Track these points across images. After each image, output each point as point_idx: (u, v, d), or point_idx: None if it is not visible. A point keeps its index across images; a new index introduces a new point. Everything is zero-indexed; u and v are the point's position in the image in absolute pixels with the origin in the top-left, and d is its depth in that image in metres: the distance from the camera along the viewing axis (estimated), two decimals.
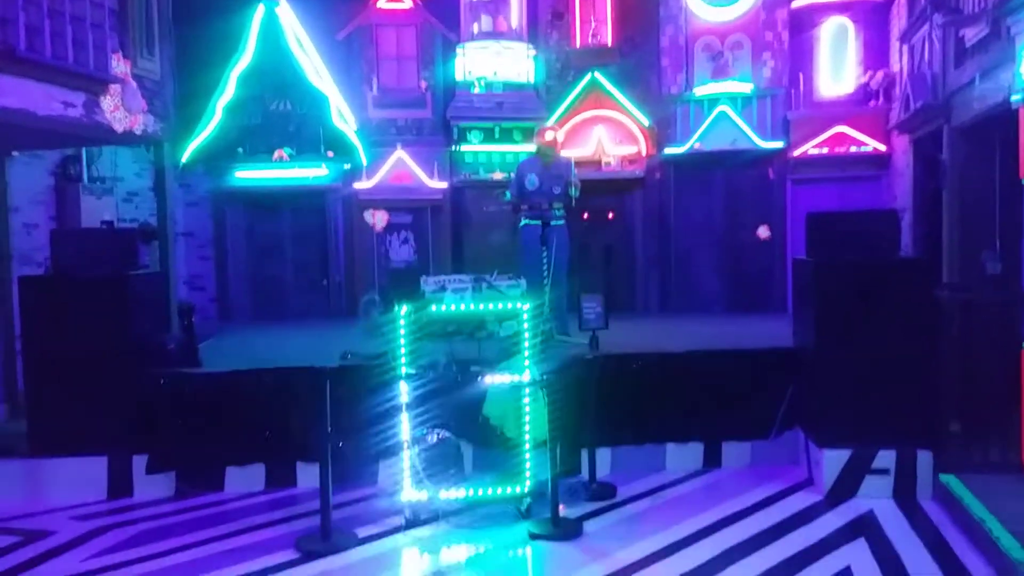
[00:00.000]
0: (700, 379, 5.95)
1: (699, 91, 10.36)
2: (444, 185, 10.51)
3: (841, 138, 9.96)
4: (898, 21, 9.49)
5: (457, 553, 4.56)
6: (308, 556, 4.51)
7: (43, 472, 5.52)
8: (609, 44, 10.67)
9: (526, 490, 5.05)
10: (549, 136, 7.21)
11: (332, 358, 5.97)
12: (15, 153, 7.05)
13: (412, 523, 4.96)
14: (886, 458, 5.25)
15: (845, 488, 5.28)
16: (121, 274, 5.74)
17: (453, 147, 10.54)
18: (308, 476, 5.61)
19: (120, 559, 4.56)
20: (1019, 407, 5.05)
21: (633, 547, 4.52)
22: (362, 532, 4.84)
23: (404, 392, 5.00)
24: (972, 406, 5.36)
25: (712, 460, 5.99)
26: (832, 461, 5.31)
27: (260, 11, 9.86)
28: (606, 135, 10.61)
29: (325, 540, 4.64)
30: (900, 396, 5.28)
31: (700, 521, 4.91)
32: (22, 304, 5.79)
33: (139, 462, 5.62)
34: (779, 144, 10.20)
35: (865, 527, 4.77)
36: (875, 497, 5.21)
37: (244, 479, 5.74)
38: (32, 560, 4.56)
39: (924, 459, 5.22)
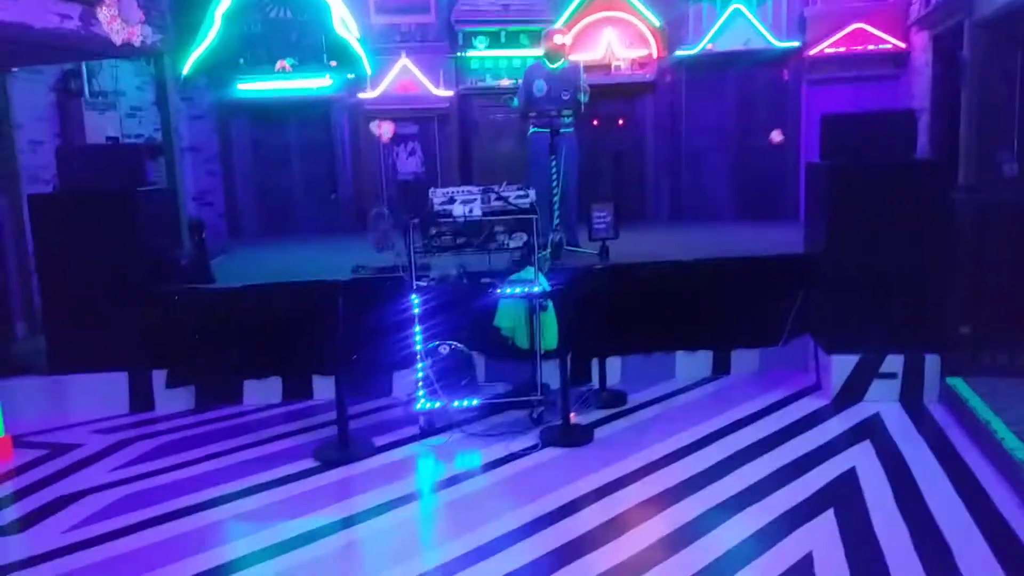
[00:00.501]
0: (710, 287, 5.96)
1: None
2: (450, 93, 10.29)
3: (859, 35, 9.62)
4: None
5: (471, 460, 4.68)
6: (327, 464, 4.65)
7: (66, 388, 5.66)
8: None
9: (538, 398, 5.14)
10: (558, 40, 7.01)
11: (344, 272, 6.01)
12: (14, 69, 6.93)
13: (427, 432, 5.08)
14: (894, 362, 5.29)
15: (852, 392, 5.34)
16: (130, 190, 5.74)
17: (459, 53, 10.27)
18: (324, 388, 5.73)
19: (146, 469, 4.72)
20: None
21: (643, 452, 4.63)
22: (379, 441, 4.97)
23: (416, 304, 5.04)
24: (983, 309, 5.36)
25: (721, 367, 6.06)
26: (840, 366, 5.36)
27: None
28: (616, 38, 10.30)
29: (343, 449, 4.77)
30: (911, 301, 5.28)
31: (709, 426, 5.01)
32: (33, 222, 5.81)
33: (159, 377, 5.75)
34: (795, 43, 9.88)
35: (871, 430, 4.85)
36: (882, 401, 5.28)
37: (262, 392, 5.87)
38: (62, 471, 4.73)
39: (932, 363, 5.26)
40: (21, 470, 4.77)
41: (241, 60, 9.75)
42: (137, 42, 7.37)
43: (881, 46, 9.59)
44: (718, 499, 4.00)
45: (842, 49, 9.71)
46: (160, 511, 4.13)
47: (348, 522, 3.95)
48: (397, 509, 4.08)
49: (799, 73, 10.04)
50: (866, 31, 9.60)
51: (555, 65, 6.97)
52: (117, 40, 7.07)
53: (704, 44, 9.95)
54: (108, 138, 7.84)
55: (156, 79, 8.65)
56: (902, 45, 9.53)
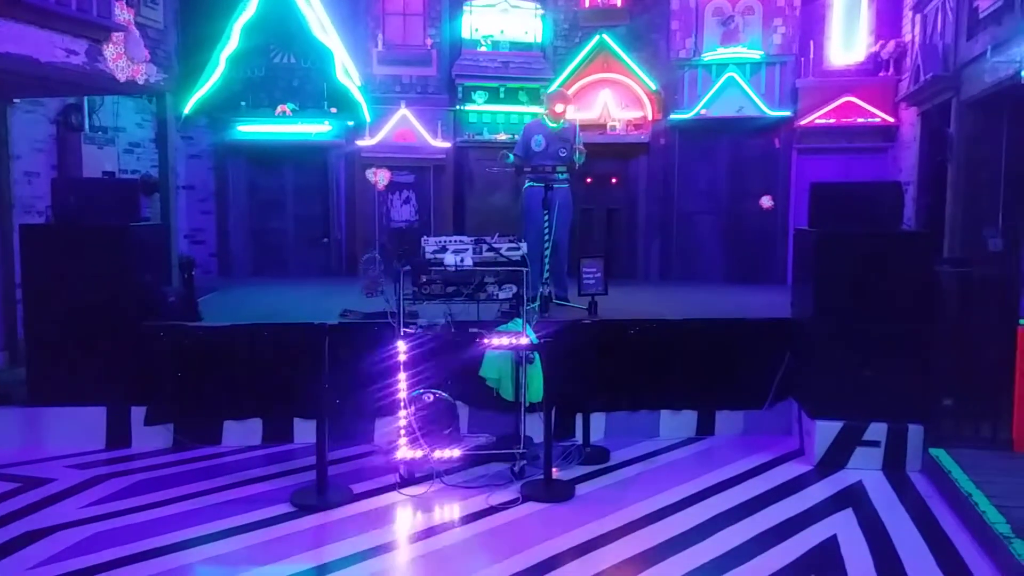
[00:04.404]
0: (697, 347, 5.98)
1: (708, 56, 10.24)
2: (447, 145, 10.43)
3: (849, 108, 9.87)
4: None
5: (450, 512, 4.62)
6: (303, 510, 4.57)
7: (42, 420, 5.59)
8: (618, 4, 10.52)
9: (520, 451, 5.11)
10: (559, 108, 7.06)
11: (331, 315, 6.01)
12: (16, 101, 6.99)
13: (407, 481, 5.02)
14: (877, 431, 5.29)
15: (835, 459, 5.33)
16: (122, 224, 5.75)
17: (457, 106, 10.45)
18: (304, 432, 5.68)
19: (118, 507, 4.63)
20: (1012, 384, 5.09)
21: (624, 510, 4.58)
22: (357, 488, 4.90)
23: (402, 351, 5.02)
24: (966, 381, 5.39)
25: (705, 428, 6.04)
26: (824, 432, 5.36)
27: None
28: (612, 99, 10.51)
29: (320, 495, 4.70)
30: (895, 370, 5.30)
31: (690, 487, 4.97)
32: (23, 253, 5.80)
33: (137, 413, 5.68)
34: (786, 112, 10.11)
35: (853, 498, 4.83)
36: (865, 469, 5.26)
37: (241, 433, 5.80)
38: (32, 506, 4.63)
39: (915, 433, 5.26)
40: None
41: (242, 103, 9.90)
42: (141, 80, 7.47)
43: (870, 119, 9.83)
44: (698, 562, 3.95)
45: (832, 121, 9.95)
46: (130, 551, 4.04)
47: (321, 571, 3.88)
48: (371, 559, 4.01)
49: (790, 142, 10.26)
50: (856, 104, 9.85)
51: (555, 125, 7.09)
52: (121, 77, 7.17)
53: (698, 109, 10.17)
54: (105, 173, 7.89)
55: (157, 117, 8.75)
56: (891, 119, 9.76)
